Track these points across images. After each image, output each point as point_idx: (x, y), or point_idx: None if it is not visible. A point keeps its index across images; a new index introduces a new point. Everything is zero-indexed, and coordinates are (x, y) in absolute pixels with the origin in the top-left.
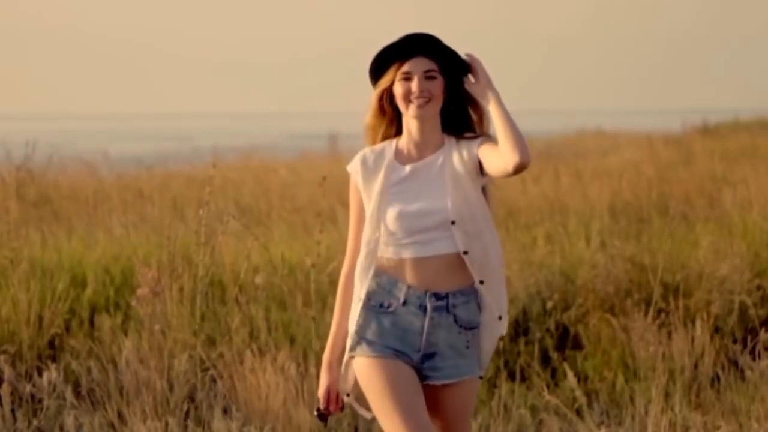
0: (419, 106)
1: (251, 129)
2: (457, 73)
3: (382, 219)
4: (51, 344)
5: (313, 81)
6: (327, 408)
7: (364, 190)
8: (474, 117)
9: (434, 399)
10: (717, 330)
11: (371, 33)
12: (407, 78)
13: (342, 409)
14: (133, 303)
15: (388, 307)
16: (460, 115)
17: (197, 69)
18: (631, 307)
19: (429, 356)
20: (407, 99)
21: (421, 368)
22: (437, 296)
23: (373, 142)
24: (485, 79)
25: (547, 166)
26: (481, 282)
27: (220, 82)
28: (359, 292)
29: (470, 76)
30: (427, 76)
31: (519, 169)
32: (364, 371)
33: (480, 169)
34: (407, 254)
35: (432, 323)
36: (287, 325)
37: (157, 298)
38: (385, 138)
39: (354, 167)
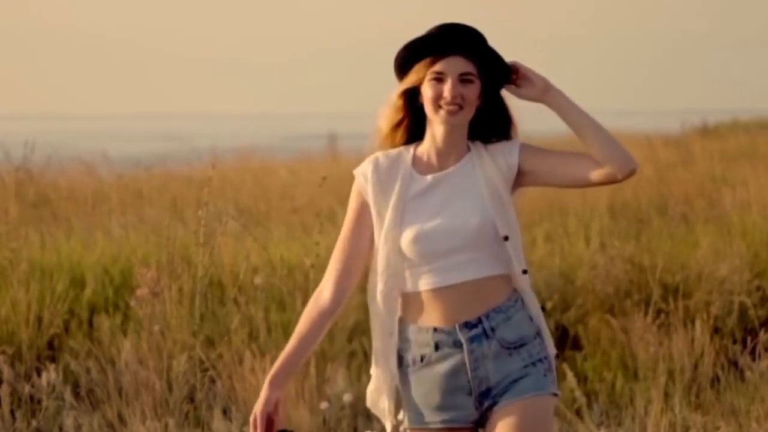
0: (450, 113)
1: (250, 129)
2: (495, 76)
3: (397, 240)
4: (50, 345)
5: (313, 81)
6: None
7: (376, 201)
8: (508, 122)
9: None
10: (717, 330)
11: (371, 33)
12: (439, 79)
13: None
14: (132, 303)
15: (421, 360)
16: (489, 120)
17: (197, 69)
18: (630, 307)
19: (484, 394)
20: (437, 104)
21: (482, 413)
22: (469, 325)
23: (387, 148)
24: (541, 81)
25: None
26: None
27: (220, 82)
28: (389, 332)
29: (512, 79)
30: (463, 80)
31: (630, 174)
32: None
33: (515, 179)
34: (425, 285)
35: (473, 357)
36: (286, 326)
37: (156, 298)
38: (394, 145)
39: (363, 171)
